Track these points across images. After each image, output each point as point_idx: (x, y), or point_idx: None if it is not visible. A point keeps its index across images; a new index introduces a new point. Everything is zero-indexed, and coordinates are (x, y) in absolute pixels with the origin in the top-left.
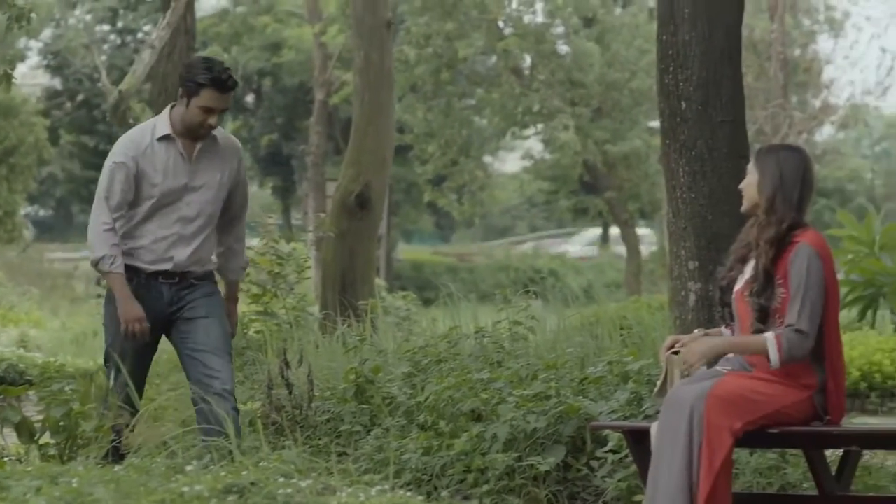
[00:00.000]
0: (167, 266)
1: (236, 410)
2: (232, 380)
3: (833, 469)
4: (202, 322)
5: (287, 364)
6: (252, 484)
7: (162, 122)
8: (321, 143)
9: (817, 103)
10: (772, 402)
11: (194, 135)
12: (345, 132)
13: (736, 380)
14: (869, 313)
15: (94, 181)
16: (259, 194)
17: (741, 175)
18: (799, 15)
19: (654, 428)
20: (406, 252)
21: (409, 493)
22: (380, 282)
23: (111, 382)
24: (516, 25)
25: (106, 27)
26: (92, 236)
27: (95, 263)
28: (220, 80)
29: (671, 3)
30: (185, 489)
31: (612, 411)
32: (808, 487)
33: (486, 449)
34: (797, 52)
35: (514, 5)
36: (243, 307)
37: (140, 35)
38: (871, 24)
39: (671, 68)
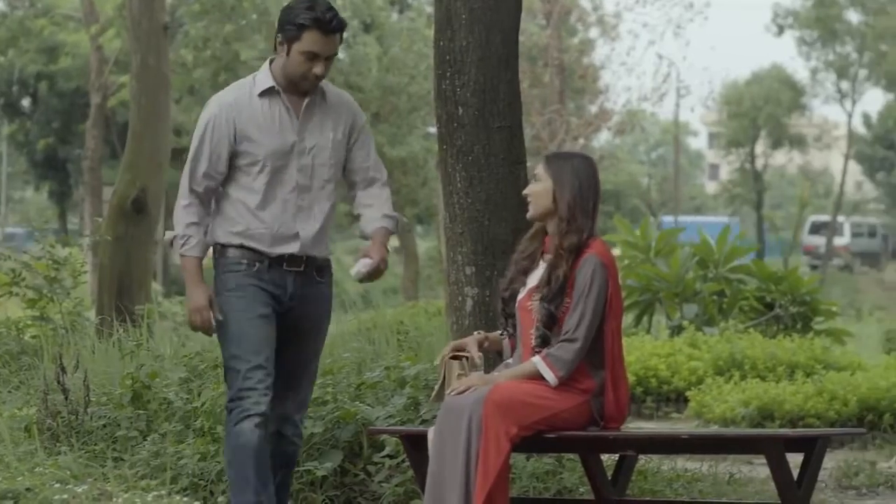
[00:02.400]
0: (293, 247)
1: (299, 437)
2: (306, 405)
3: (609, 473)
4: (307, 334)
5: (63, 369)
6: (27, 490)
7: (263, 76)
8: (98, 147)
9: (594, 109)
10: (549, 406)
11: (300, 88)
12: (122, 136)
13: (513, 385)
14: (645, 318)
15: None
16: (35, 198)
17: (518, 180)
18: (572, 20)
19: (431, 433)
20: None
21: (185, 499)
22: (156, 286)
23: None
24: None
25: None
26: (174, 212)
27: (170, 243)
28: (324, 20)
29: (448, 8)
30: None
31: (389, 416)
32: (585, 492)
33: None
34: (573, 57)
35: None
36: (18, 312)
37: None
38: (647, 31)
39: (448, 73)
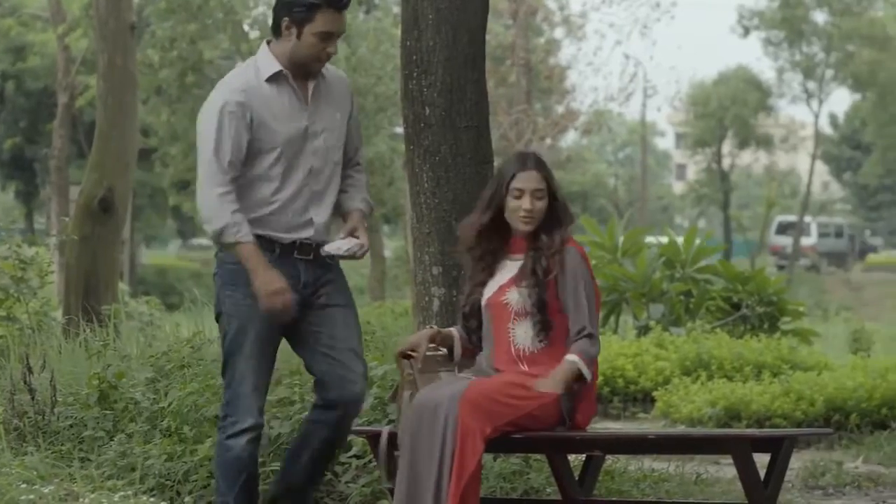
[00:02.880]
0: (307, 233)
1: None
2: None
3: (576, 473)
4: (340, 312)
5: (30, 369)
6: None
7: (266, 61)
8: (65, 146)
9: (561, 109)
10: (523, 405)
11: (310, 70)
12: (88, 136)
13: (487, 383)
14: (612, 318)
15: None
16: (2, 198)
17: (485, 180)
18: (538, 20)
19: (402, 432)
20: (150, 257)
21: (152, 499)
22: (123, 286)
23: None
24: (262, 28)
25: None
26: (206, 205)
27: (218, 236)
28: None
29: (415, 8)
30: None
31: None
32: (552, 492)
33: None
34: (539, 57)
35: (261, 8)
36: None
37: None
38: (614, 31)
39: (415, 74)
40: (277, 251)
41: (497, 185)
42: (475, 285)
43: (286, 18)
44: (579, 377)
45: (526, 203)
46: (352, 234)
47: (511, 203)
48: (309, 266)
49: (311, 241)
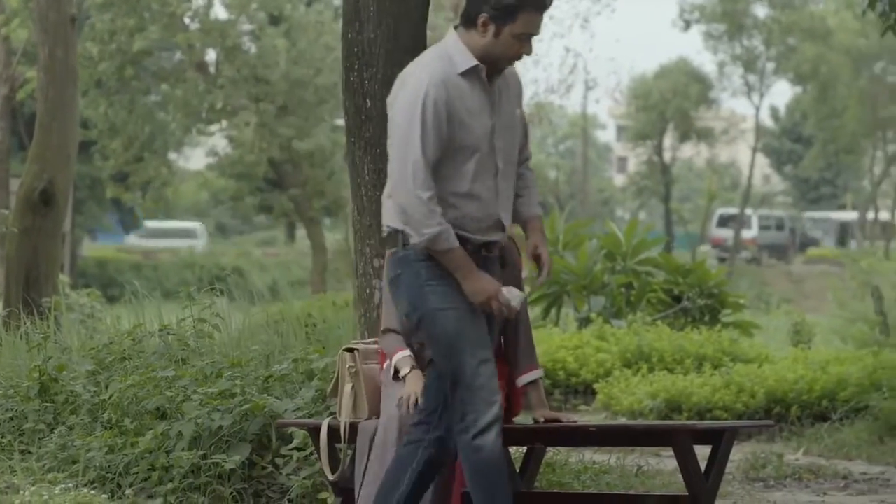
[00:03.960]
0: (497, 235)
1: None
2: None
3: (517, 465)
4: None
5: None
6: None
7: (460, 53)
8: (5, 138)
9: None
10: None
11: (500, 68)
12: (29, 128)
13: None
14: (553, 311)
15: None
16: None
17: None
18: None
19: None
20: (90, 249)
21: (93, 492)
22: (64, 279)
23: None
24: (202, 21)
25: None
26: (415, 209)
27: (431, 242)
28: None
29: (357, 1)
30: None
31: (298, 409)
32: None
33: (171, 447)
34: None
35: (201, 1)
36: None
37: None
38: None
39: (356, 66)
40: (469, 252)
41: None
42: None
43: (485, 15)
44: None
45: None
46: (535, 251)
47: None
48: (495, 264)
49: (499, 242)
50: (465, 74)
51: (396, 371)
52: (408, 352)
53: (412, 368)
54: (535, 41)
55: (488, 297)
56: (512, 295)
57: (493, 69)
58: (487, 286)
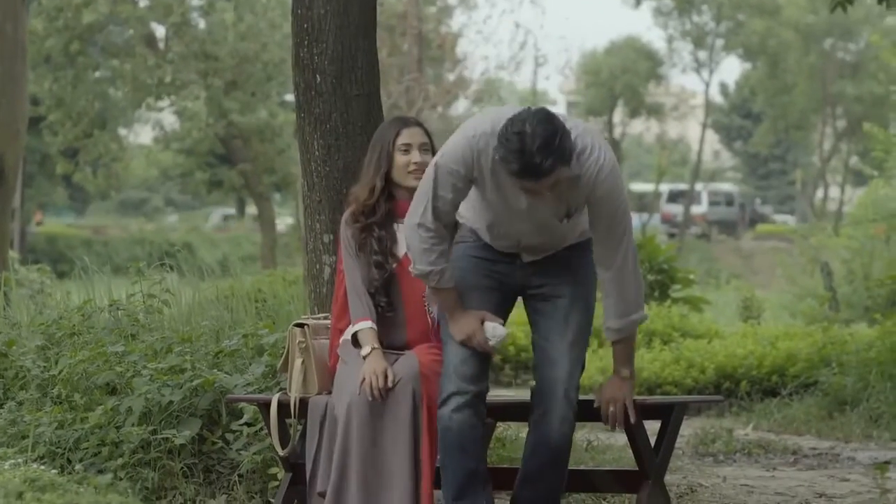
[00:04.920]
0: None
1: None
2: None
3: None
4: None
5: None
6: None
7: None
8: None
9: (452, 77)
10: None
11: None
12: None
13: (427, 351)
14: None
15: None
16: None
17: None
18: None
19: (327, 399)
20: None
21: (42, 467)
22: (13, 254)
23: None
24: None
25: None
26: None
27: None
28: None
29: None
30: None
31: (248, 384)
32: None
33: (121, 422)
34: (431, 26)
35: None
36: None
37: None
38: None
39: (306, 42)
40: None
41: (381, 146)
42: (385, 248)
43: None
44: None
45: (416, 156)
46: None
47: (400, 159)
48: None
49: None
50: None
51: (356, 340)
52: (371, 323)
53: (373, 349)
54: (484, 17)
55: (468, 337)
56: (494, 333)
57: None
58: (466, 327)
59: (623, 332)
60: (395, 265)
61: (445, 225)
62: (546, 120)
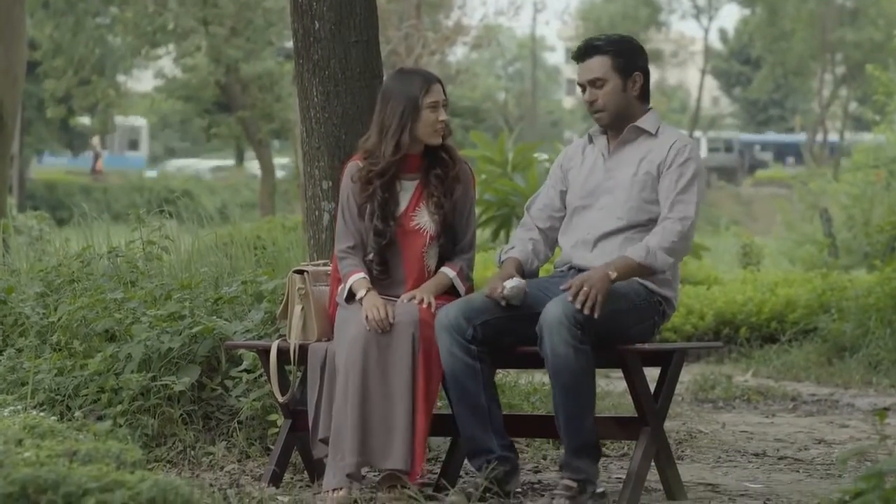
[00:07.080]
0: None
1: None
2: None
3: None
4: None
5: None
6: None
7: None
8: None
9: (450, 23)
10: None
11: None
12: None
13: (424, 308)
14: (502, 233)
15: None
16: None
17: (374, 95)
18: None
19: (326, 345)
20: (38, 171)
21: (42, 414)
22: (11, 201)
23: None
24: None
25: None
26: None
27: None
28: None
29: None
30: None
31: (247, 331)
32: (443, 406)
33: (121, 369)
34: None
35: None
36: None
37: None
38: None
39: None
40: None
41: (407, 101)
42: (388, 213)
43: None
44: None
45: (442, 114)
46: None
47: (429, 116)
48: None
49: None
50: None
51: (352, 294)
52: (363, 274)
53: (368, 290)
54: None
55: (491, 289)
56: (510, 283)
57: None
58: (492, 282)
59: (629, 258)
60: (395, 229)
61: None
62: None
